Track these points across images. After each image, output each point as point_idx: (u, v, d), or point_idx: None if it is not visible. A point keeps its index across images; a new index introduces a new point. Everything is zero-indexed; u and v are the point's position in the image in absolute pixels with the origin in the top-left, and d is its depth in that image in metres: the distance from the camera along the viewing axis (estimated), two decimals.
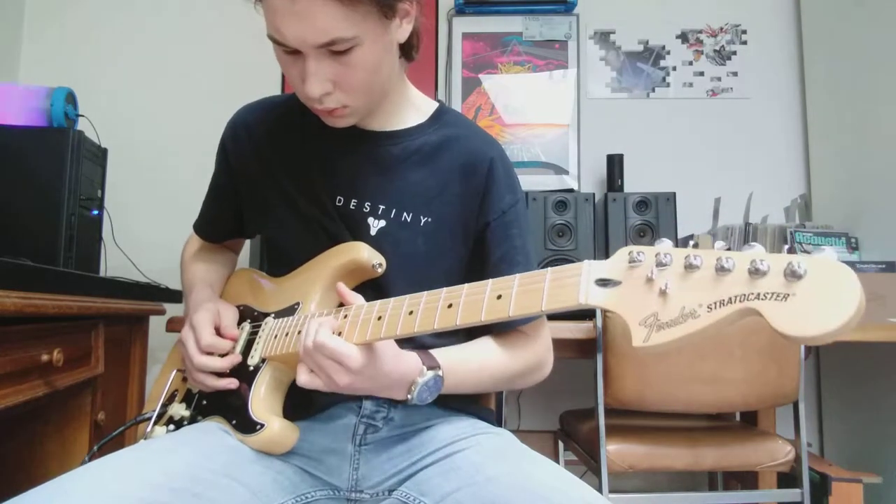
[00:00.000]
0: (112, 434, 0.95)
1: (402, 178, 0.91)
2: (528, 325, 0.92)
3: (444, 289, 0.69)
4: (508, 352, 0.91)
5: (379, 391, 0.78)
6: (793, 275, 0.46)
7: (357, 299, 0.80)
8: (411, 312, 0.70)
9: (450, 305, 0.67)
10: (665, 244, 0.53)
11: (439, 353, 0.83)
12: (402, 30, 0.84)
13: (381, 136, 0.93)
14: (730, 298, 0.48)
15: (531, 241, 0.97)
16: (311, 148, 0.95)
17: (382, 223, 0.90)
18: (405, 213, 0.90)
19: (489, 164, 0.92)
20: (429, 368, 0.79)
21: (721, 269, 0.49)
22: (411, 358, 0.79)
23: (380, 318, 0.73)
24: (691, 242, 0.54)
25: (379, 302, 0.75)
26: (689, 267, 0.50)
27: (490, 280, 0.66)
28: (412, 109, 0.96)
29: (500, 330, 0.92)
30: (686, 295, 0.50)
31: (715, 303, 0.48)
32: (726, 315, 0.48)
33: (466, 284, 0.68)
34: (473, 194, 0.92)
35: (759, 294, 0.47)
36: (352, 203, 0.91)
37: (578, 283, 0.58)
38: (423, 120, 0.95)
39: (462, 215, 0.92)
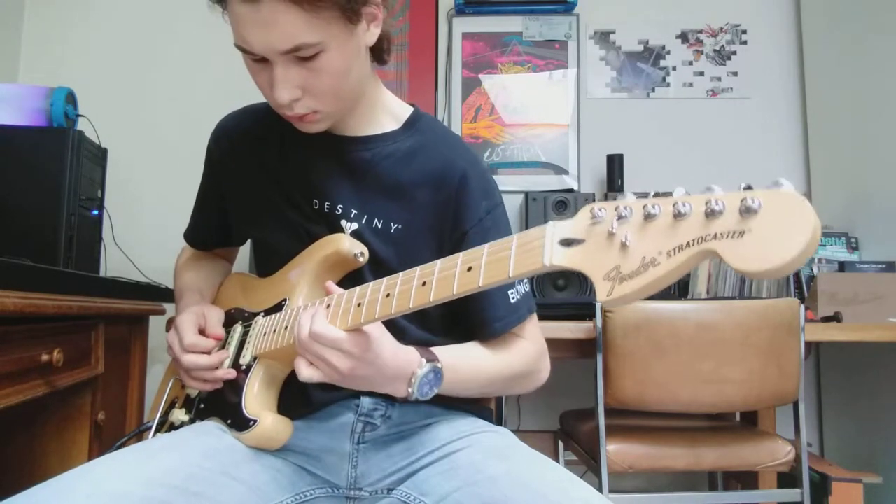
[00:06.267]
0: (114, 447, 0.94)
1: (373, 183, 0.92)
2: (518, 327, 0.92)
3: (419, 267, 0.69)
4: (501, 352, 0.91)
5: (380, 383, 0.78)
6: (748, 211, 0.45)
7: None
8: (388, 295, 0.70)
9: (423, 283, 0.67)
10: (627, 198, 0.53)
11: (437, 350, 0.83)
12: (369, 34, 0.84)
13: (354, 140, 0.93)
14: (687, 243, 0.47)
15: None
16: (289, 153, 0.95)
17: (355, 226, 0.91)
18: (376, 219, 0.90)
19: (460, 175, 0.92)
20: (427, 361, 0.78)
21: (678, 215, 0.48)
22: (410, 351, 0.79)
23: (359, 304, 0.73)
24: (651, 193, 0.53)
25: (359, 288, 0.75)
26: (648, 216, 0.50)
27: (461, 253, 0.66)
28: (386, 114, 0.96)
29: (490, 335, 0.92)
30: (646, 244, 0.49)
31: (673, 249, 0.48)
32: (685, 260, 0.47)
33: (440, 260, 0.68)
34: (445, 203, 0.91)
35: (715, 234, 0.46)
36: (325, 206, 0.92)
37: (542, 245, 0.57)
38: (398, 126, 0.95)
39: (434, 223, 0.92)
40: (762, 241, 0.44)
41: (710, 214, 0.47)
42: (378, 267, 0.89)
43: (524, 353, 0.93)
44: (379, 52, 0.91)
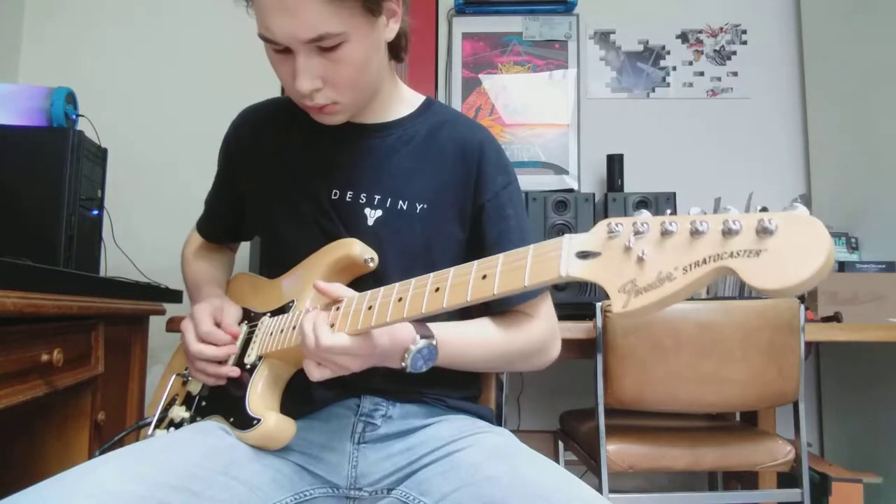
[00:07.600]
0: (112, 440, 0.95)
1: (395, 167, 0.93)
2: (527, 305, 0.93)
3: (432, 273, 0.70)
4: (507, 330, 0.91)
5: (377, 361, 0.79)
6: (764, 231, 0.46)
7: (341, 290, 0.80)
8: (400, 299, 0.71)
9: (437, 289, 0.68)
10: (644, 215, 0.54)
11: (435, 326, 0.83)
12: (388, 29, 0.87)
13: (373, 128, 0.96)
14: (704, 259, 0.49)
15: (527, 221, 0.98)
16: (308, 145, 0.97)
17: (379, 213, 0.92)
18: (401, 202, 0.92)
19: (479, 147, 0.94)
20: (422, 337, 0.79)
21: (695, 233, 0.50)
22: (405, 328, 0.79)
23: (370, 307, 0.73)
24: (668, 211, 0.55)
25: (370, 292, 0.76)
26: (665, 233, 0.51)
27: (476, 261, 0.67)
28: (401, 103, 0.98)
29: (497, 310, 0.93)
30: (662, 259, 0.51)
31: (690, 264, 0.49)
32: (701, 275, 0.48)
33: (454, 267, 0.68)
34: (466, 178, 0.94)
35: (732, 252, 0.47)
36: (347, 195, 0.92)
37: (559, 256, 0.58)
38: (412, 111, 0.98)
39: (456, 199, 0.94)
40: (778, 261, 0.46)
41: (728, 233, 0.48)
42: (405, 248, 0.90)
43: (531, 332, 0.93)
44: (396, 49, 0.94)
